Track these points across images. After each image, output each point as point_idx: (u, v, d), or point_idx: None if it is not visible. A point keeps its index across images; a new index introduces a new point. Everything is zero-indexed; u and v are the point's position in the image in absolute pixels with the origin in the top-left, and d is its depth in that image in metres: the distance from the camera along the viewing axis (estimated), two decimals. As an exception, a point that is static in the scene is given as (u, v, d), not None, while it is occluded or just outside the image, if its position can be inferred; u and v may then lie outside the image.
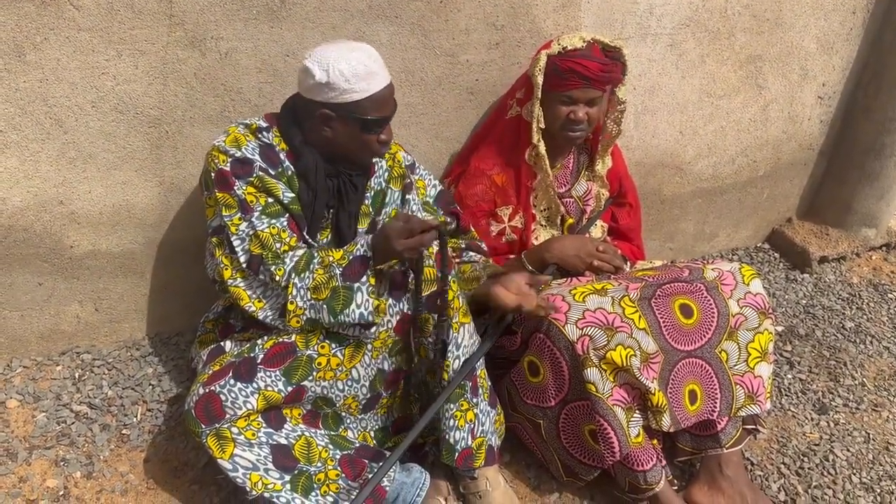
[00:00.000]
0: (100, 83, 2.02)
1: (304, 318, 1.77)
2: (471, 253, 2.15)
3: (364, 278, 1.75)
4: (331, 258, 1.79)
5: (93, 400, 2.24)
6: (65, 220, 2.18)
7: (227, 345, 1.95)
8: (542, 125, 2.15)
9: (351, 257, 1.77)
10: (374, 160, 2.00)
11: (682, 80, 2.76)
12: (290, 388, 1.79)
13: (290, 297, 1.76)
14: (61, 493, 1.96)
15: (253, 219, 1.81)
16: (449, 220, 2.13)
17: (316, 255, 1.81)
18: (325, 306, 1.74)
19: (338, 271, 1.76)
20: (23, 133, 2.01)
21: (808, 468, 2.25)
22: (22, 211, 2.12)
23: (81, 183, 2.14)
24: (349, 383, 1.87)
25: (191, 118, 2.15)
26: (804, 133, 3.22)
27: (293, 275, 1.77)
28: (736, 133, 3.03)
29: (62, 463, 2.04)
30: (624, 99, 2.23)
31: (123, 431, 2.15)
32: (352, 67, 1.75)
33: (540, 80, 2.09)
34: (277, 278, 1.77)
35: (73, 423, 2.15)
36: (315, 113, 1.82)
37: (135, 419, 2.20)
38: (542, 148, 2.18)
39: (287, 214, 1.86)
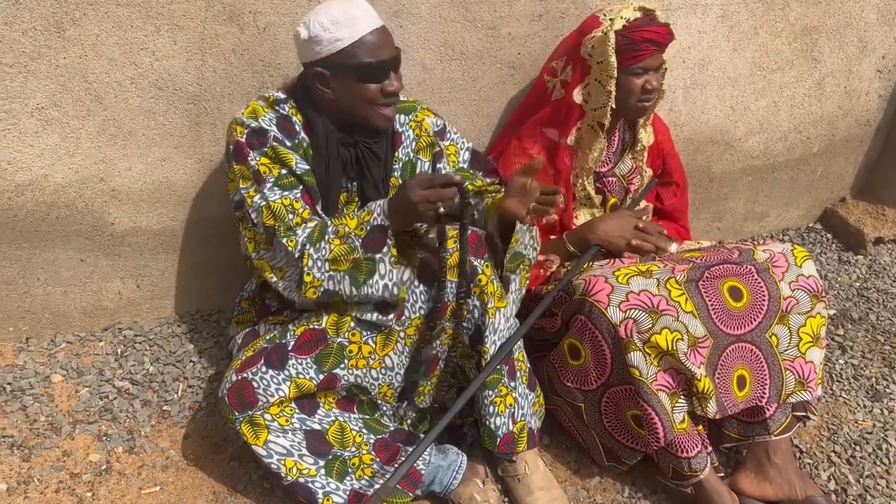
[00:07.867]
0: (139, 59, 2.01)
1: (322, 289, 1.73)
2: None
3: (385, 248, 1.70)
4: (346, 228, 1.73)
5: (134, 376, 2.26)
6: (106, 196, 2.19)
7: (262, 328, 1.94)
8: (614, 105, 2.08)
9: (369, 227, 1.72)
10: (391, 125, 1.90)
11: (734, 53, 2.65)
12: (321, 376, 1.78)
13: (305, 268, 1.72)
14: (104, 467, 1.99)
15: (265, 190, 1.78)
16: (489, 180, 2.07)
17: (330, 224, 1.76)
18: (346, 276, 1.71)
19: (358, 242, 1.71)
20: (63, 110, 2.02)
21: (861, 457, 2.18)
22: (64, 188, 2.13)
23: (122, 160, 2.14)
24: (383, 371, 1.84)
25: (229, 94, 2.13)
26: (861, 108, 3.10)
27: (307, 245, 1.73)
28: (789, 108, 2.92)
29: (104, 438, 2.06)
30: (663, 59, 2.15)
31: (164, 408, 2.17)
32: (330, 16, 1.70)
33: (614, 60, 2.01)
34: (290, 249, 1.74)
35: (115, 399, 2.17)
36: (310, 76, 1.77)
37: (175, 395, 2.21)
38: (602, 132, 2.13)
39: (301, 186, 1.82)
